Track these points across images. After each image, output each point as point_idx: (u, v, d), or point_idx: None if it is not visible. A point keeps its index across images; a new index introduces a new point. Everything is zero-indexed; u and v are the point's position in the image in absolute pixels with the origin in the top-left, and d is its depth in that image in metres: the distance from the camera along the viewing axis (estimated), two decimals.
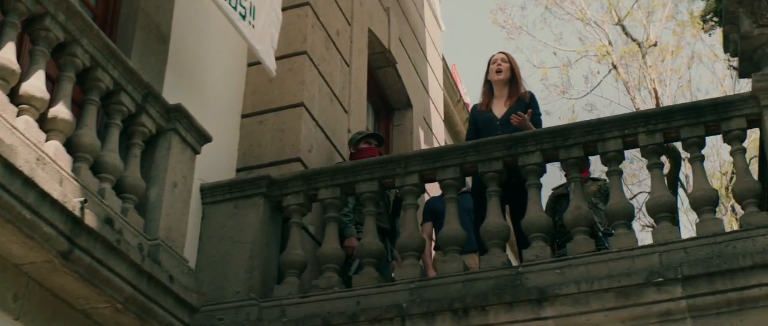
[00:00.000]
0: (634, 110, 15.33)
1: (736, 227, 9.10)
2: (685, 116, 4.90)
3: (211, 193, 5.42)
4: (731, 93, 14.49)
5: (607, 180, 5.31)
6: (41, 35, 4.06)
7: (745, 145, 4.89)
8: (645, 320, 4.39)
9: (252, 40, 5.52)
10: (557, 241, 5.99)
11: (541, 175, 5.07)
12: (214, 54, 5.95)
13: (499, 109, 5.85)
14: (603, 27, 16.57)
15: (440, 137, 9.73)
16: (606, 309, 4.42)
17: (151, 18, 5.30)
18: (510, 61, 5.98)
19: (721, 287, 4.35)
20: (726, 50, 5.35)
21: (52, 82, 4.27)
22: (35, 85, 3.94)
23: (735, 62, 5.89)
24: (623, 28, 15.95)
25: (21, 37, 4.19)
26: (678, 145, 5.20)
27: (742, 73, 5.23)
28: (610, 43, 16.44)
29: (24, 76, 3.94)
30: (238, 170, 5.92)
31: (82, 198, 3.87)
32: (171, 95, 5.11)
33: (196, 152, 4.99)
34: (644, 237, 15.15)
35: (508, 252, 5.16)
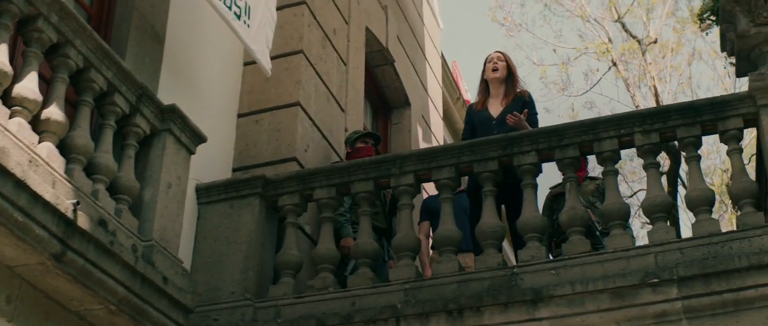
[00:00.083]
0: (634, 107, 15.31)
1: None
2: (681, 116, 4.88)
3: (207, 193, 5.42)
4: (733, 90, 14.47)
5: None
6: (34, 37, 4.04)
7: (743, 143, 4.87)
8: (640, 321, 4.38)
9: (247, 40, 5.50)
10: (555, 240, 5.98)
11: (536, 175, 5.05)
12: (210, 53, 5.94)
13: (495, 108, 5.83)
14: (603, 24, 16.55)
15: (439, 135, 9.72)
16: (601, 310, 4.41)
17: (146, 18, 5.29)
18: (506, 59, 5.96)
19: (717, 288, 4.34)
20: (723, 49, 5.32)
21: (46, 83, 4.27)
22: (28, 86, 3.93)
23: (732, 60, 5.86)
24: (623, 25, 15.91)
25: (14, 39, 4.18)
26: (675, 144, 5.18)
27: (740, 72, 5.20)
28: (609, 40, 16.40)
29: (17, 77, 3.93)
30: (234, 170, 5.92)
31: (75, 200, 3.86)
32: (166, 95, 5.10)
33: (191, 152, 4.97)
34: (644, 235, 15.06)
35: (510, 250, 5.15)
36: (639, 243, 4.88)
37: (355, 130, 6.65)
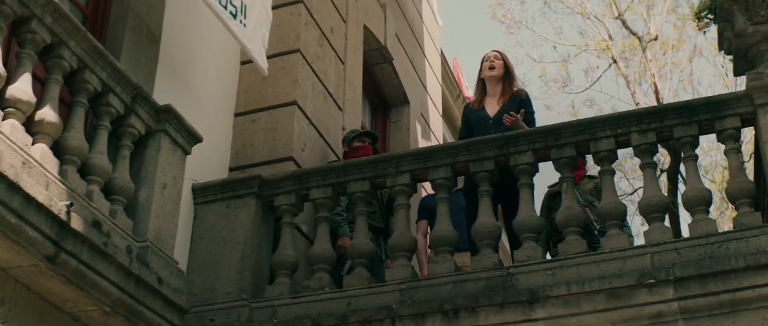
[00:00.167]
0: (635, 104, 15.27)
1: None
2: (678, 115, 4.86)
3: (203, 193, 5.41)
4: (734, 87, 14.41)
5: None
6: (28, 38, 4.04)
7: (744, 141, 4.85)
8: (636, 322, 4.36)
9: (243, 40, 5.49)
10: (553, 239, 5.96)
11: (533, 175, 5.04)
12: (206, 53, 5.93)
13: (492, 107, 5.82)
14: (603, 21, 16.50)
15: (438, 133, 9.70)
16: (597, 311, 4.40)
17: (142, 18, 5.28)
18: (503, 58, 5.94)
19: (714, 289, 4.32)
20: (721, 48, 5.30)
21: (41, 84, 4.26)
22: (21, 88, 3.92)
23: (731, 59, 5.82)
24: (623, 22, 15.85)
25: (8, 40, 4.17)
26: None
27: (737, 70, 5.18)
28: (610, 37, 16.36)
29: (10, 79, 3.92)
30: (230, 169, 5.91)
31: (68, 202, 3.85)
32: (162, 95, 5.10)
33: (187, 152, 4.96)
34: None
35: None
36: (639, 242, 4.86)
37: (353, 129, 6.64)
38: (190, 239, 5.31)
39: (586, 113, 17.72)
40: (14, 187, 3.57)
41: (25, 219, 3.63)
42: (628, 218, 7.31)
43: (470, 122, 5.86)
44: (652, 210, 4.71)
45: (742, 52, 5.01)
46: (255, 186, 5.30)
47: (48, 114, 4.04)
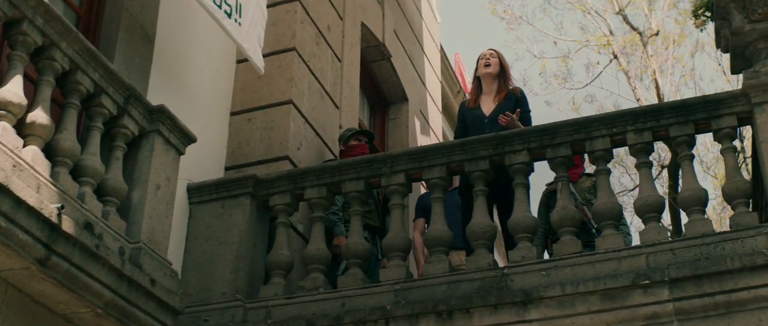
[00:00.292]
0: (636, 100, 15.20)
1: None
2: (674, 114, 4.82)
3: (198, 193, 5.40)
4: (736, 83, 14.34)
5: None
6: (19, 40, 4.02)
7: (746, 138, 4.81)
8: (631, 323, 4.34)
9: (238, 38, 5.47)
10: (551, 238, 5.93)
11: (528, 175, 5.01)
12: (201, 52, 5.91)
13: (487, 105, 5.79)
14: (604, 16, 16.43)
15: (438, 129, 9.67)
16: (591, 312, 4.38)
17: (136, 17, 5.26)
18: (499, 56, 5.93)
19: (709, 290, 4.30)
20: (718, 46, 5.26)
21: (34, 85, 4.24)
22: (12, 90, 3.90)
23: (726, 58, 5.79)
24: (624, 18, 15.77)
25: None
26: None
27: (734, 69, 5.14)
28: (610, 33, 16.29)
29: (1, 81, 3.91)
30: (226, 169, 5.90)
31: (59, 204, 3.84)
32: (156, 95, 5.08)
33: (181, 153, 4.95)
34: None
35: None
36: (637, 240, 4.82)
37: (349, 127, 6.62)
38: (185, 239, 5.30)
39: (587, 109, 17.68)
40: (4, 190, 3.56)
41: (15, 223, 3.62)
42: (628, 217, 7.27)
43: (466, 121, 5.84)
44: (647, 211, 4.68)
45: (739, 50, 4.97)
46: (250, 185, 5.29)
47: (39, 116, 4.03)
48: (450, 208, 5.54)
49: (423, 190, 7.31)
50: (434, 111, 9.68)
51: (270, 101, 6.06)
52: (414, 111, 8.71)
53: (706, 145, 15.91)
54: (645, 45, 15.38)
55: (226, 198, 5.32)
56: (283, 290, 5.03)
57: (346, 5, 7.38)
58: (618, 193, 15.98)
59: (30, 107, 4.02)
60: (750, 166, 5.89)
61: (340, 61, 7.05)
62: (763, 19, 4.80)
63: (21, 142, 3.91)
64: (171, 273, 4.60)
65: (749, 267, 4.27)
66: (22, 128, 3.97)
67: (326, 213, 5.43)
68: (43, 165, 3.97)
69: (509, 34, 20.62)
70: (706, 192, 4.74)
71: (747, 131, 9.54)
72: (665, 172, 13.47)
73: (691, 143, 4.85)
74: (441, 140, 9.59)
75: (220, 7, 5.29)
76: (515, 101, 5.72)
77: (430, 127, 9.26)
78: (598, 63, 16.79)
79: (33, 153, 3.94)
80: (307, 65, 6.39)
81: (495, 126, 5.52)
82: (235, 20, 5.48)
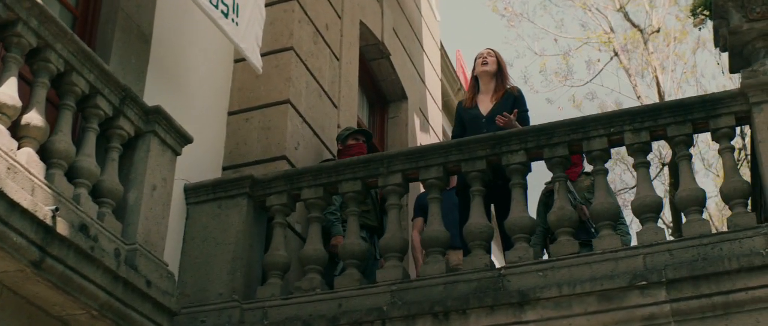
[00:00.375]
0: (636, 97, 15.16)
1: None
2: (672, 114, 4.80)
3: (195, 193, 5.39)
4: (737, 81, 14.28)
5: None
6: (13, 41, 4.01)
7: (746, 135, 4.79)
8: (628, 324, 4.33)
9: (235, 38, 5.45)
10: (550, 237, 5.92)
11: (525, 175, 5.00)
12: (199, 52, 5.89)
13: (485, 105, 5.77)
14: (605, 13, 16.38)
15: (438, 127, 9.66)
16: (588, 313, 4.36)
17: (132, 18, 5.25)
18: (496, 55, 5.91)
19: (706, 291, 4.28)
20: (716, 45, 5.23)
21: (30, 86, 4.23)
22: (6, 93, 3.89)
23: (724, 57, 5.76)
24: (625, 15, 15.72)
25: None
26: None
27: (733, 68, 5.12)
28: (611, 30, 16.24)
29: None
30: (224, 169, 5.89)
31: (54, 207, 3.83)
32: (153, 95, 5.07)
33: (177, 153, 4.94)
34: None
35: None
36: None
37: (347, 126, 6.61)
38: (182, 240, 5.29)
39: (587, 106, 17.65)
40: None
41: (9, 225, 3.62)
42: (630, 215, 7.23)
43: (463, 120, 5.82)
44: (645, 211, 4.66)
45: (737, 49, 4.95)
46: (246, 186, 5.28)
47: (34, 118, 4.02)
48: (448, 207, 5.53)
49: (422, 189, 7.30)
50: (434, 109, 9.66)
51: (267, 101, 6.05)
52: (413, 109, 8.69)
53: (707, 143, 15.87)
54: (646, 42, 15.34)
55: (223, 198, 5.31)
56: (280, 291, 5.03)
57: (345, 4, 7.36)
58: (619, 191, 15.96)
59: (25, 109, 4.01)
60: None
61: (338, 59, 7.03)
62: (762, 17, 4.78)
63: (15, 144, 3.90)
64: (167, 274, 4.60)
65: (747, 268, 4.26)
66: (16, 130, 3.96)
67: (324, 213, 5.42)
68: (37, 167, 3.96)
69: (510, 31, 20.68)
70: (703, 192, 4.72)
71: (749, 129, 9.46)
72: (666, 170, 13.43)
73: (689, 143, 4.83)
74: (441, 138, 9.57)
75: (216, 7, 5.27)
76: (513, 100, 5.70)
77: (430, 125, 9.25)
78: (598, 60, 16.77)
79: (27, 155, 3.94)
80: (305, 64, 6.38)
81: (492, 125, 5.51)
82: (232, 20, 5.46)
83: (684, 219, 4.68)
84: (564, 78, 17.26)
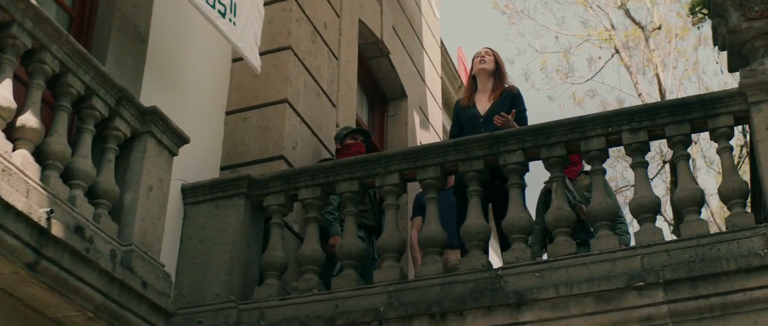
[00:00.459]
0: (637, 95, 15.12)
1: None
2: (670, 113, 4.78)
3: (192, 193, 5.38)
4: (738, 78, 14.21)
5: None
6: (8, 43, 4.00)
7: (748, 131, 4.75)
8: (625, 325, 4.30)
9: (233, 38, 5.44)
10: (549, 236, 5.90)
11: (523, 175, 4.98)
12: (196, 51, 5.88)
13: (482, 104, 5.75)
14: (606, 10, 16.32)
15: (438, 125, 9.64)
16: (585, 314, 4.35)
17: (128, 18, 5.23)
18: (494, 54, 5.89)
19: (704, 292, 4.26)
20: (715, 44, 5.21)
21: (25, 87, 4.22)
22: (1, 94, 3.88)
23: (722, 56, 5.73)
24: (627, 12, 15.67)
25: None
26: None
27: (731, 67, 5.09)
28: (612, 27, 16.19)
29: None
30: (222, 168, 5.87)
31: (48, 209, 3.83)
32: (151, 95, 5.06)
33: (174, 154, 4.93)
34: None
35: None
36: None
37: (345, 126, 6.59)
38: (179, 240, 5.28)
39: (589, 104, 17.62)
40: None
41: (3, 228, 3.62)
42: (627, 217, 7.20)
43: (461, 120, 5.80)
44: (642, 211, 4.64)
45: (735, 48, 4.92)
46: (244, 186, 5.27)
47: (29, 119, 4.02)
48: (446, 206, 5.51)
49: (420, 189, 7.28)
50: (434, 107, 9.64)
51: (265, 100, 6.03)
52: (413, 107, 8.67)
53: (708, 140, 15.80)
54: (647, 39, 15.28)
55: (221, 198, 5.30)
56: (277, 291, 5.02)
57: (343, 2, 7.33)
58: (621, 188, 15.93)
59: (20, 111, 4.00)
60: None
61: (337, 58, 7.01)
62: (760, 16, 4.75)
63: (10, 146, 3.90)
64: (163, 275, 4.59)
65: (745, 268, 4.23)
66: (11, 132, 3.96)
67: (322, 212, 5.41)
68: (32, 169, 3.96)
69: (511, 29, 20.65)
70: (702, 192, 4.70)
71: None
72: (668, 167, 13.39)
73: (687, 142, 4.81)
74: (441, 136, 9.55)
75: (213, 7, 5.25)
76: (511, 100, 5.68)
77: (430, 124, 9.23)
78: (600, 58, 16.73)
79: (22, 157, 3.93)
80: (303, 63, 6.36)
81: (490, 125, 5.49)
82: (230, 19, 5.44)
83: (682, 220, 4.65)
84: (565, 75, 17.23)
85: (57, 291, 3.93)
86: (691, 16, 8.64)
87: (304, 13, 6.53)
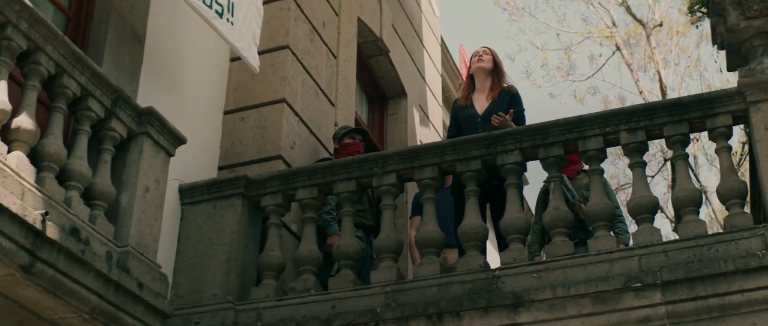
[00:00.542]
0: (638, 92, 15.09)
1: None
2: (668, 113, 4.75)
3: (190, 194, 5.37)
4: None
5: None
6: (3, 45, 3.99)
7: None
8: None
9: (230, 38, 5.42)
10: (548, 236, 5.88)
11: (520, 175, 4.96)
12: (194, 51, 5.86)
13: (480, 103, 5.73)
14: (607, 7, 16.27)
15: (438, 124, 9.62)
16: (582, 315, 4.33)
17: (125, 18, 5.22)
18: (492, 53, 5.86)
19: (702, 293, 4.24)
20: (714, 43, 5.18)
21: (20, 88, 4.22)
22: None
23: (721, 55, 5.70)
24: (628, 9, 15.61)
25: None
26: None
27: (730, 66, 5.07)
28: (613, 24, 16.14)
29: None
30: (219, 168, 5.86)
31: (43, 211, 3.82)
32: (148, 96, 5.06)
33: (170, 155, 4.92)
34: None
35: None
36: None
37: (343, 125, 6.58)
38: (177, 240, 5.28)
39: (590, 101, 17.57)
40: None
41: None
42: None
43: (459, 120, 5.78)
44: (640, 212, 4.62)
45: (734, 47, 4.90)
46: (241, 186, 5.26)
47: (24, 121, 4.01)
48: (445, 205, 5.50)
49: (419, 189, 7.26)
50: (434, 105, 9.62)
51: (263, 100, 6.02)
52: (413, 106, 8.65)
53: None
54: (648, 36, 15.23)
55: (218, 198, 5.29)
56: (274, 292, 5.01)
57: (342, 1, 7.31)
58: (623, 186, 15.89)
59: (15, 112, 3.99)
60: None
61: (335, 57, 7.00)
62: (759, 15, 4.73)
63: (5, 147, 3.89)
64: (160, 276, 4.58)
65: (743, 269, 4.21)
66: (7, 134, 3.95)
67: (320, 212, 5.40)
68: (28, 170, 3.95)
69: (512, 26, 20.59)
70: (700, 193, 4.68)
71: None
72: (669, 165, 13.35)
73: (686, 142, 4.79)
74: (441, 134, 9.53)
75: (210, 7, 5.24)
76: (509, 99, 5.66)
77: (430, 122, 9.21)
78: (600, 55, 16.67)
79: (18, 158, 3.92)
80: (301, 63, 6.34)
81: (488, 125, 5.47)
82: (227, 19, 5.43)
83: (680, 220, 4.63)
84: (566, 73, 17.19)
85: (52, 294, 3.92)
86: (690, 14, 8.60)
87: (303, 12, 6.51)
